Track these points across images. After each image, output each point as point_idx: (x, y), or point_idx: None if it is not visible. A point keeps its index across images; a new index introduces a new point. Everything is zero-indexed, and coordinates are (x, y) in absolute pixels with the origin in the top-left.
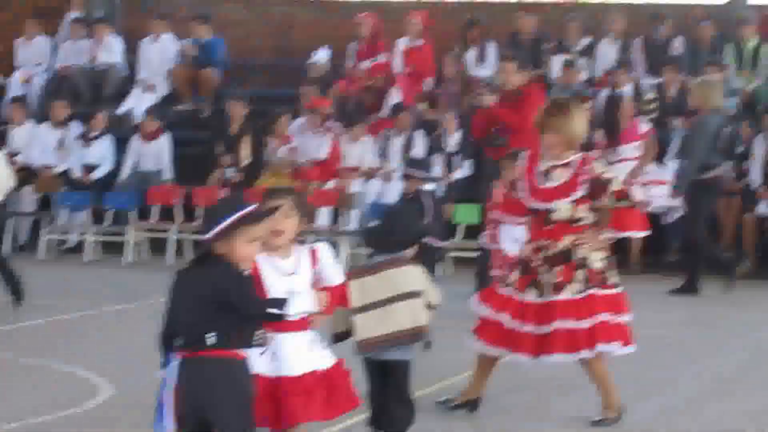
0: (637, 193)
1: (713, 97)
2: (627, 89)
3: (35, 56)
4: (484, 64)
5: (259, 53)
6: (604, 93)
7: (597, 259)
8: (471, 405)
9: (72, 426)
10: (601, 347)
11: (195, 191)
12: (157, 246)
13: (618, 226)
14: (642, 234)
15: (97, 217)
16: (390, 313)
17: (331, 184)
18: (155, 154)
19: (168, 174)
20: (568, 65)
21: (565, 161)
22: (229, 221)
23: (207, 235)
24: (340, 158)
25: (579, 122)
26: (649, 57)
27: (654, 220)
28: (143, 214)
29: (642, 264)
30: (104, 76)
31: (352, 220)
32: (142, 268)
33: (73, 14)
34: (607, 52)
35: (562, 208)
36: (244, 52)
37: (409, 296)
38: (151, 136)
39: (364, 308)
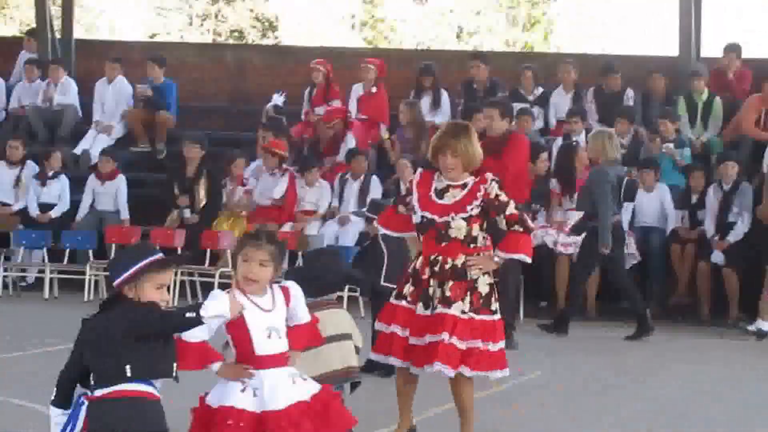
0: (529, 221)
1: (608, 148)
2: (581, 138)
3: None
4: (438, 111)
5: (212, 97)
6: (558, 142)
7: (484, 283)
8: None
9: None
10: (472, 373)
11: (153, 232)
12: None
13: (509, 248)
14: (528, 260)
15: (55, 256)
16: (320, 355)
17: (287, 227)
18: (112, 194)
19: (125, 214)
20: (523, 113)
21: (462, 182)
22: (136, 268)
23: (115, 282)
24: (296, 201)
25: (477, 146)
26: (601, 107)
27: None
28: (100, 253)
29: (598, 311)
30: (60, 116)
31: None
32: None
33: (27, 55)
34: (560, 101)
35: (458, 226)
36: (198, 96)
37: (338, 338)
38: (107, 177)
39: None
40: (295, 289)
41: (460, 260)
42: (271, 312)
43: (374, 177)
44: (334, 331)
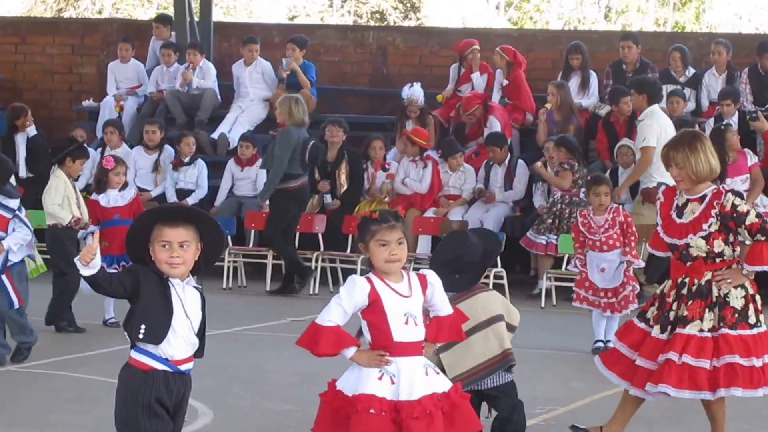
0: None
1: (294, 111)
2: (734, 120)
3: (127, 80)
4: (587, 93)
5: (352, 79)
6: (710, 123)
7: (736, 297)
8: None
9: None
10: (723, 391)
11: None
12: (254, 271)
13: (753, 260)
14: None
15: None
16: (472, 345)
17: (431, 212)
18: (251, 179)
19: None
20: (673, 95)
21: (699, 195)
22: (138, 218)
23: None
24: (439, 186)
25: (704, 157)
26: (755, 88)
27: None
28: (239, 239)
29: None
30: (198, 100)
31: None
32: (239, 293)
33: (163, 39)
34: (713, 82)
35: (697, 245)
36: (338, 79)
37: (490, 322)
38: (247, 162)
39: (447, 345)
40: (432, 276)
41: (705, 278)
42: (408, 298)
43: (520, 161)
44: (485, 315)
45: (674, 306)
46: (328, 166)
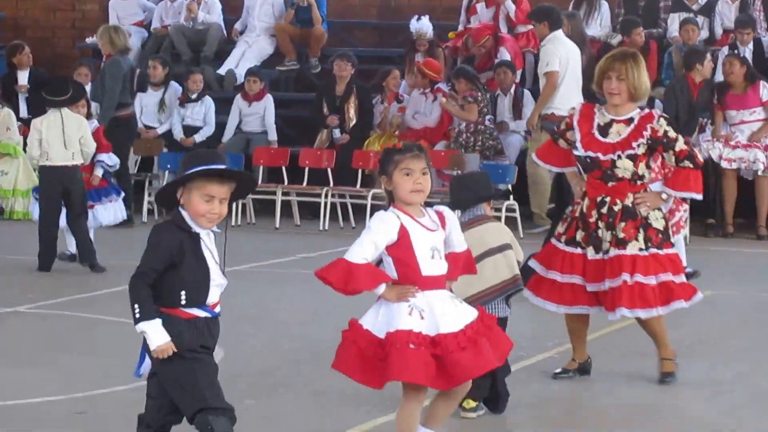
0: (699, 156)
1: (115, 40)
2: (748, 49)
3: (129, 16)
4: (597, 23)
5: (361, 12)
6: (724, 51)
7: (656, 218)
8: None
9: None
10: (674, 305)
11: (302, 153)
12: (264, 208)
13: (678, 186)
14: (699, 197)
15: None
16: (484, 268)
17: (441, 146)
18: (259, 115)
19: (272, 135)
20: (686, 23)
21: (626, 117)
22: (184, 175)
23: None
24: (449, 119)
25: (645, 76)
26: None
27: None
28: None
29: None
30: (204, 35)
31: None
32: (248, 230)
33: None
34: (726, 10)
35: (624, 165)
36: (346, 11)
37: (501, 249)
38: (254, 97)
39: None
40: (449, 212)
41: (629, 200)
42: (434, 232)
43: (526, 91)
44: (496, 242)
45: (599, 224)
46: (337, 101)
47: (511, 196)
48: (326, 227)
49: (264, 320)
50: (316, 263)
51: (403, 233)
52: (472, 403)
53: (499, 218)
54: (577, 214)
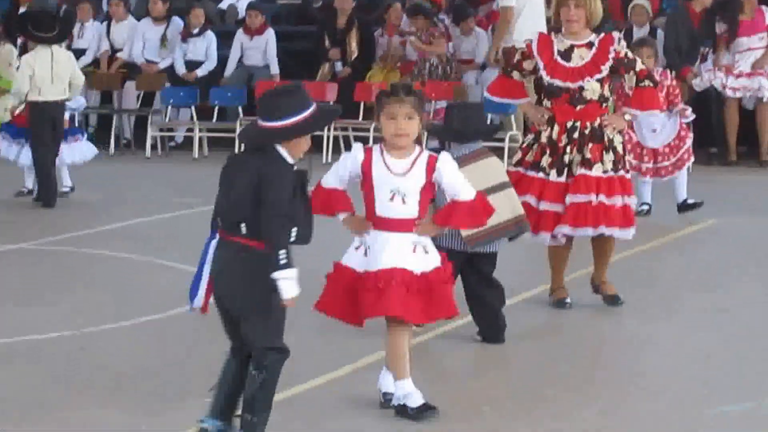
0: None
1: None
2: None
3: None
4: None
5: None
6: None
7: (619, 142)
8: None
9: (187, 323)
10: (632, 229)
11: (304, 86)
12: None
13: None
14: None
15: (203, 114)
16: None
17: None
18: (260, 48)
19: (275, 69)
20: None
21: (585, 41)
22: (296, 120)
23: (274, 123)
24: (453, 54)
25: (599, 2)
26: None
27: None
28: (250, 110)
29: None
30: None
31: None
32: None
33: None
34: None
35: (592, 88)
36: None
37: (502, 186)
38: (255, 31)
39: None
40: (441, 161)
41: (597, 122)
42: (400, 176)
43: None
44: (496, 180)
45: (567, 149)
46: (339, 34)
47: (514, 127)
48: (329, 160)
49: None
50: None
51: (366, 172)
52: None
53: (502, 149)
54: (544, 140)
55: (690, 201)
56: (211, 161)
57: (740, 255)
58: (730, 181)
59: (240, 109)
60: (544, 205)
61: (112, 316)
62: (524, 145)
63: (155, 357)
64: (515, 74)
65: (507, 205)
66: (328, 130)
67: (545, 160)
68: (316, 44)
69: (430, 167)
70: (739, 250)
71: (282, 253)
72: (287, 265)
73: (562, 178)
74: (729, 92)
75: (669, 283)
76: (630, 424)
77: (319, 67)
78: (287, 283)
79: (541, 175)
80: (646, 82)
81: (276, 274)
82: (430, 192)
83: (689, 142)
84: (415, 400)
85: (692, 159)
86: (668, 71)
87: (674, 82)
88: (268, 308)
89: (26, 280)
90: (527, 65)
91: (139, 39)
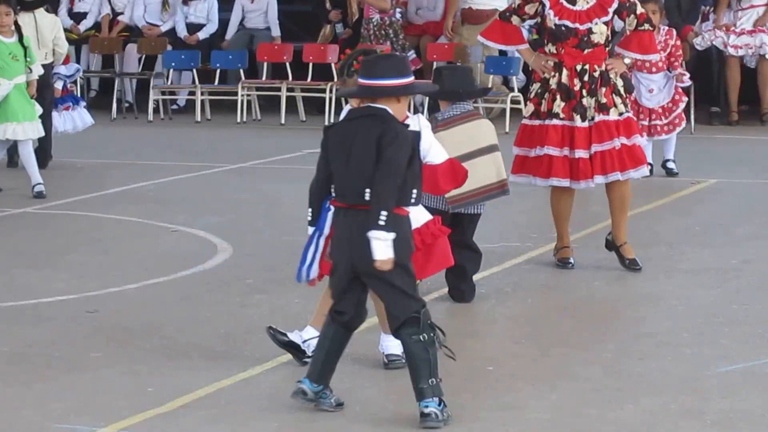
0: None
1: None
2: None
3: None
4: None
5: None
6: None
7: (620, 85)
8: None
9: (192, 285)
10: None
11: (305, 48)
12: (268, 104)
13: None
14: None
15: (205, 77)
16: (474, 168)
17: (444, 39)
18: (262, 11)
19: (276, 31)
20: None
21: None
22: (408, 81)
23: (390, 81)
24: (453, 13)
25: None
26: None
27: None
28: (252, 73)
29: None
30: None
31: None
32: (254, 126)
33: None
34: None
35: (600, 30)
36: None
37: (489, 150)
38: None
39: None
40: (414, 121)
41: (603, 66)
42: None
43: None
44: (485, 142)
45: (583, 92)
46: None
47: (516, 88)
48: (332, 120)
49: (272, 215)
50: None
51: None
52: None
53: (504, 110)
54: (553, 86)
55: (670, 165)
56: (213, 124)
57: (743, 213)
58: (731, 140)
59: (242, 72)
60: (580, 153)
61: (118, 279)
62: (532, 95)
63: (161, 319)
64: (514, 19)
65: (492, 169)
66: (330, 91)
67: (557, 106)
68: (317, 6)
69: None
70: (741, 209)
71: (384, 213)
72: (386, 228)
73: (586, 123)
74: (731, 50)
75: (672, 243)
76: (635, 382)
77: (320, 29)
78: (381, 244)
79: (562, 122)
80: (646, 26)
81: (372, 233)
82: None
83: (682, 106)
84: None
85: (684, 124)
86: (673, 31)
87: (678, 42)
88: (408, 267)
89: (31, 243)
90: (529, 9)
91: (140, 2)
